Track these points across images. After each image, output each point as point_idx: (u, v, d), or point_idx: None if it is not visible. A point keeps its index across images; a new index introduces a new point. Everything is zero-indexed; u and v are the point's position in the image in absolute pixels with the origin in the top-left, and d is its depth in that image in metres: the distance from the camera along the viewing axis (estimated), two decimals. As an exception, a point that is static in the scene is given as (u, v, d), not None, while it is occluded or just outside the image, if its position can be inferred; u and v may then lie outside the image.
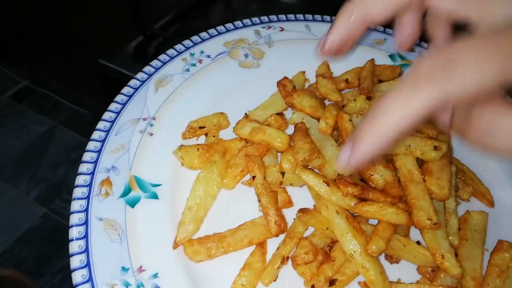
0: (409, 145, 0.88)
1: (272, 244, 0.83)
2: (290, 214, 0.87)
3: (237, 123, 0.96)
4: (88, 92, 2.83)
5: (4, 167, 2.93)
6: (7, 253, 2.53)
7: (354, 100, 1.00)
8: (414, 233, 0.87)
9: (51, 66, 3.03)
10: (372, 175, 0.87)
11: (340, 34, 0.61)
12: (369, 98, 1.01)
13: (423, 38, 0.67)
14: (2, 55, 3.40)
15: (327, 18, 1.26)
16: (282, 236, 0.84)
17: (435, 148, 0.87)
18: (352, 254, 0.75)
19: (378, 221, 0.81)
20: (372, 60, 1.10)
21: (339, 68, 1.13)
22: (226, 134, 0.98)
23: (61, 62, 2.86)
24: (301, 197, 0.90)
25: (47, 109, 3.30)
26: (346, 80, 1.05)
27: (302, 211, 0.82)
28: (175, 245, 0.78)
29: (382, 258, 0.84)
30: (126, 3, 1.71)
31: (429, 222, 0.79)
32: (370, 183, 0.88)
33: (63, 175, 2.93)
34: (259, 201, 0.84)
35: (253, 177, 0.86)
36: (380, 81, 1.08)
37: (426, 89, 0.44)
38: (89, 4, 2.43)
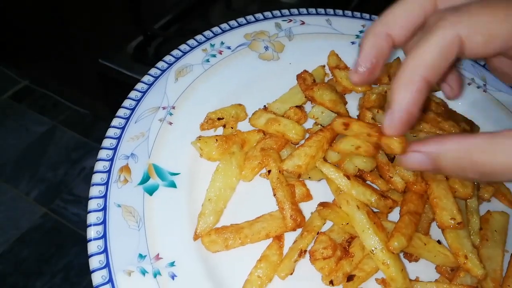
0: None
1: (290, 238, 0.82)
2: (308, 208, 0.86)
3: (253, 114, 0.96)
4: (88, 92, 2.85)
5: (4, 167, 2.95)
6: (7, 253, 2.55)
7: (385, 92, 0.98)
8: (434, 231, 0.86)
9: (51, 66, 3.05)
10: (392, 177, 0.85)
11: (370, 57, 0.65)
12: None
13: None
14: (2, 55, 3.43)
15: (349, 13, 1.25)
16: (299, 230, 0.83)
17: None
18: (373, 250, 0.73)
19: (400, 217, 0.80)
20: (398, 58, 1.08)
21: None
22: (244, 126, 0.97)
23: (61, 62, 2.87)
24: (320, 191, 0.88)
25: (47, 109, 3.32)
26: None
27: (323, 205, 0.80)
28: (196, 237, 0.77)
29: (401, 256, 0.83)
30: (126, 3, 1.71)
31: (452, 222, 0.77)
32: (390, 185, 0.86)
33: (63, 175, 2.94)
34: (275, 195, 0.83)
35: (269, 171, 0.85)
36: None
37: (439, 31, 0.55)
38: (89, 4, 2.43)
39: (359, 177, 0.87)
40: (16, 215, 2.73)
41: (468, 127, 0.98)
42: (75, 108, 3.31)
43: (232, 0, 1.86)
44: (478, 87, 1.15)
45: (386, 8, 0.66)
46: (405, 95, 0.57)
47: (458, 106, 1.09)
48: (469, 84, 1.16)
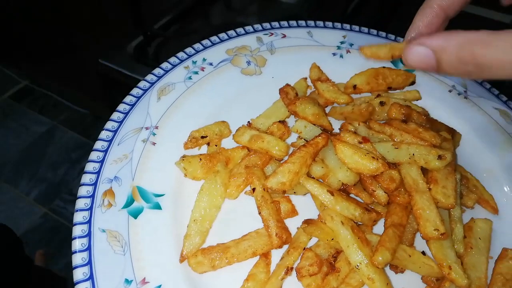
0: (413, 154, 0.88)
1: (277, 254, 0.83)
2: (294, 223, 0.87)
3: (237, 131, 0.96)
4: (88, 92, 2.84)
5: (4, 167, 2.94)
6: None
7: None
8: (419, 242, 0.87)
9: (51, 66, 3.04)
10: (375, 191, 0.86)
11: (422, 23, 0.73)
12: (382, 103, 1.01)
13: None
14: (2, 55, 3.41)
15: (329, 24, 1.26)
16: (286, 246, 0.83)
17: (440, 157, 0.86)
18: (358, 265, 0.74)
19: (384, 230, 0.81)
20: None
21: (337, 73, 1.12)
22: (228, 142, 0.98)
23: (61, 62, 2.87)
24: (305, 205, 0.89)
25: (47, 109, 3.31)
26: (354, 87, 1.04)
27: (307, 222, 0.81)
28: (182, 259, 0.77)
29: (387, 267, 0.84)
30: (126, 3, 1.71)
31: (436, 233, 0.78)
32: (373, 199, 0.87)
33: (63, 175, 2.93)
34: (260, 213, 0.83)
35: (253, 189, 0.86)
36: (390, 88, 1.08)
37: None
38: (89, 5, 2.43)
39: (343, 191, 0.88)
40: (16, 215, 2.72)
41: (449, 136, 0.99)
42: (75, 108, 3.31)
43: (232, 0, 1.87)
44: (459, 94, 1.17)
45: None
46: (419, 17, 0.72)
47: (440, 114, 1.10)
48: (450, 91, 1.17)
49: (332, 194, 0.81)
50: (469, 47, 0.55)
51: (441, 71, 0.59)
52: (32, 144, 3.08)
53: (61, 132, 3.17)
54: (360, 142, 0.89)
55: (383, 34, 1.27)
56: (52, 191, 2.84)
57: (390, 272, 0.84)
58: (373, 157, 0.83)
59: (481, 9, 1.78)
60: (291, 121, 1.04)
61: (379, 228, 0.87)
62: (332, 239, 0.79)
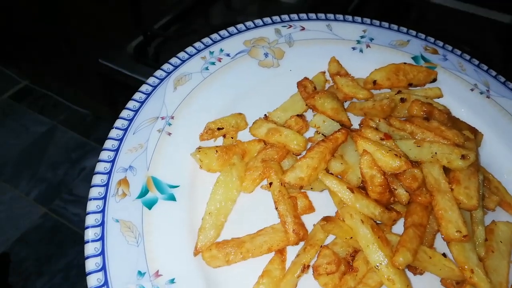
0: (435, 153, 0.85)
1: (292, 250, 0.81)
2: (311, 220, 0.84)
3: (253, 123, 0.94)
4: (88, 92, 2.83)
5: (4, 167, 2.92)
6: (7, 253, 2.52)
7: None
8: (439, 243, 0.84)
9: (51, 66, 3.03)
10: (396, 189, 0.84)
11: None
12: (403, 100, 0.98)
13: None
14: (2, 55, 3.40)
15: (349, 18, 1.23)
16: (302, 243, 0.81)
17: (463, 157, 0.83)
18: (377, 265, 0.72)
19: (404, 230, 0.78)
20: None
21: (357, 68, 1.10)
22: (244, 135, 0.96)
23: (61, 62, 2.85)
24: (322, 202, 0.87)
25: (47, 109, 3.29)
26: (374, 82, 1.02)
27: (326, 219, 0.79)
28: (196, 252, 0.75)
29: (405, 269, 0.81)
30: (126, 3, 1.69)
31: (458, 235, 0.76)
32: (394, 198, 0.85)
33: (63, 175, 2.92)
34: (276, 208, 0.81)
35: (270, 184, 0.84)
36: (410, 85, 1.05)
37: None
38: (89, 5, 2.42)
39: (363, 188, 0.86)
40: (16, 215, 2.71)
41: (472, 135, 0.97)
42: (75, 108, 3.30)
43: (232, 0, 1.85)
44: (481, 93, 1.14)
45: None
46: None
47: (461, 112, 1.07)
48: (471, 90, 1.14)
49: (352, 192, 0.78)
50: None
51: None
52: (32, 144, 3.06)
53: (61, 132, 3.16)
54: (381, 139, 0.86)
55: (404, 29, 1.24)
56: (52, 191, 2.82)
57: (409, 274, 0.81)
58: (395, 155, 0.80)
59: (480, 9, 1.74)
60: (308, 115, 1.01)
61: (398, 228, 0.84)
62: (351, 237, 0.77)
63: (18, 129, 3.15)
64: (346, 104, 1.06)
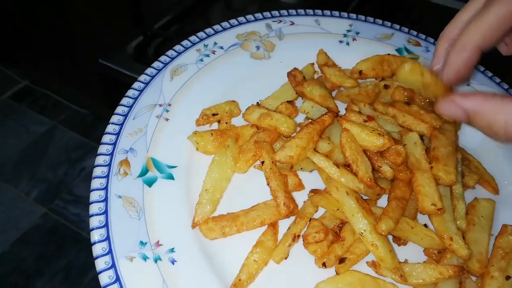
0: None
1: (284, 226, 0.86)
2: (301, 197, 0.90)
3: (246, 110, 0.99)
4: (88, 92, 2.86)
5: (4, 167, 2.94)
6: (7, 253, 2.55)
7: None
8: (421, 217, 0.90)
9: (51, 66, 3.05)
10: (381, 166, 0.90)
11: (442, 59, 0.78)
12: (386, 87, 1.04)
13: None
14: (2, 55, 3.42)
15: (336, 13, 1.30)
16: (292, 217, 0.86)
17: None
18: (362, 232, 0.77)
19: (388, 202, 0.84)
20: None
21: (344, 60, 1.16)
22: (238, 121, 1.01)
23: (61, 62, 2.88)
24: (311, 181, 0.93)
25: (47, 109, 3.31)
26: (360, 72, 1.08)
27: (314, 191, 0.84)
28: (194, 225, 0.81)
29: (390, 239, 0.87)
30: (126, 3, 1.74)
31: (433, 208, 0.81)
32: (380, 174, 0.90)
33: (63, 175, 2.94)
34: (268, 184, 0.87)
35: (262, 162, 0.89)
36: (394, 75, 1.11)
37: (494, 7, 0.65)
38: (89, 4, 2.45)
39: (348, 166, 0.91)
40: (16, 215, 2.72)
41: (451, 119, 1.03)
42: (75, 108, 3.31)
43: (232, 0, 1.89)
44: (462, 82, 1.20)
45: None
46: (456, 59, 0.71)
47: (442, 99, 1.13)
48: (452, 79, 1.20)
49: (338, 167, 0.84)
50: (502, 120, 0.56)
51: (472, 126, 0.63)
52: (32, 144, 3.09)
53: (61, 132, 3.18)
54: (365, 121, 0.92)
55: (388, 24, 1.31)
56: (52, 191, 2.85)
57: (393, 245, 0.87)
58: (379, 134, 0.86)
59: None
60: (298, 103, 1.07)
61: (382, 203, 0.90)
62: (338, 209, 0.83)
63: (18, 129, 3.17)
64: (334, 94, 1.12)
